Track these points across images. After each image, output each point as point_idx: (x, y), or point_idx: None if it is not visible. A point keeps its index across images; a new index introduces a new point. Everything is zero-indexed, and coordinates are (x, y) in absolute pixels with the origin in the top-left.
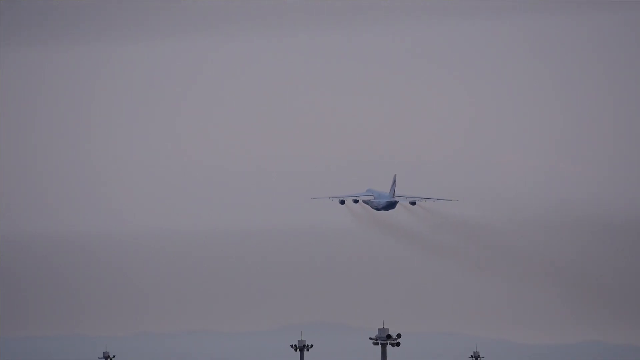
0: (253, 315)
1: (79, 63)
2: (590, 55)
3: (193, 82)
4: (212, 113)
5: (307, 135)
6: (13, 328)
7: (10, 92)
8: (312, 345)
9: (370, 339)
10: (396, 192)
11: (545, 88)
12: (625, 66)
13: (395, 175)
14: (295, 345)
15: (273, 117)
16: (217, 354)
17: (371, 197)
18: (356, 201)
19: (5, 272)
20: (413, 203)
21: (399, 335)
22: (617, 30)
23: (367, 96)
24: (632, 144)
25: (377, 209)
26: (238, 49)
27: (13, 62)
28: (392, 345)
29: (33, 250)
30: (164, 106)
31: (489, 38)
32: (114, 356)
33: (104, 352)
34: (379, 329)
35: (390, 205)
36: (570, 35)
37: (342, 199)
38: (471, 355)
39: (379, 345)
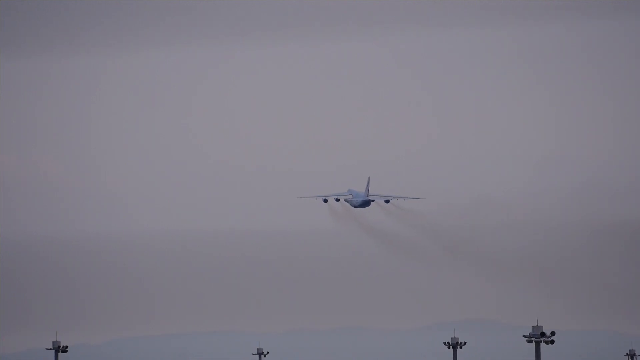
0: (405, 313)
1: (85, 68)
2: (583, 62)
3: (197, 88)
4: (211, 117)
5: (296, 140)
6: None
7: (12, 93)
8: (465, 343)
9: (524, 336)
10: (372, 192)
11: (517, 92)
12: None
13: (369, 177)
14: (448, 343)
15: (265, 123)
16: (370, 350)
17: (350, 197)
18: (338, 200)
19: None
20: (387, 201)
21: (553, 333)
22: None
23: (355, 105)
24: (630, 145)
25: (355, 207)
26: (236, 59)
27: (15, 64)
28: (546, 343)
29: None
30: (168, 110)
31: (469, 45)
32: (268, 352)
33: (257, 349)
34: (533, 327)
35: (365, 203)
36: (561, 41)
37: (325, 197)
38: (627, 354)
39: (533, 343)
